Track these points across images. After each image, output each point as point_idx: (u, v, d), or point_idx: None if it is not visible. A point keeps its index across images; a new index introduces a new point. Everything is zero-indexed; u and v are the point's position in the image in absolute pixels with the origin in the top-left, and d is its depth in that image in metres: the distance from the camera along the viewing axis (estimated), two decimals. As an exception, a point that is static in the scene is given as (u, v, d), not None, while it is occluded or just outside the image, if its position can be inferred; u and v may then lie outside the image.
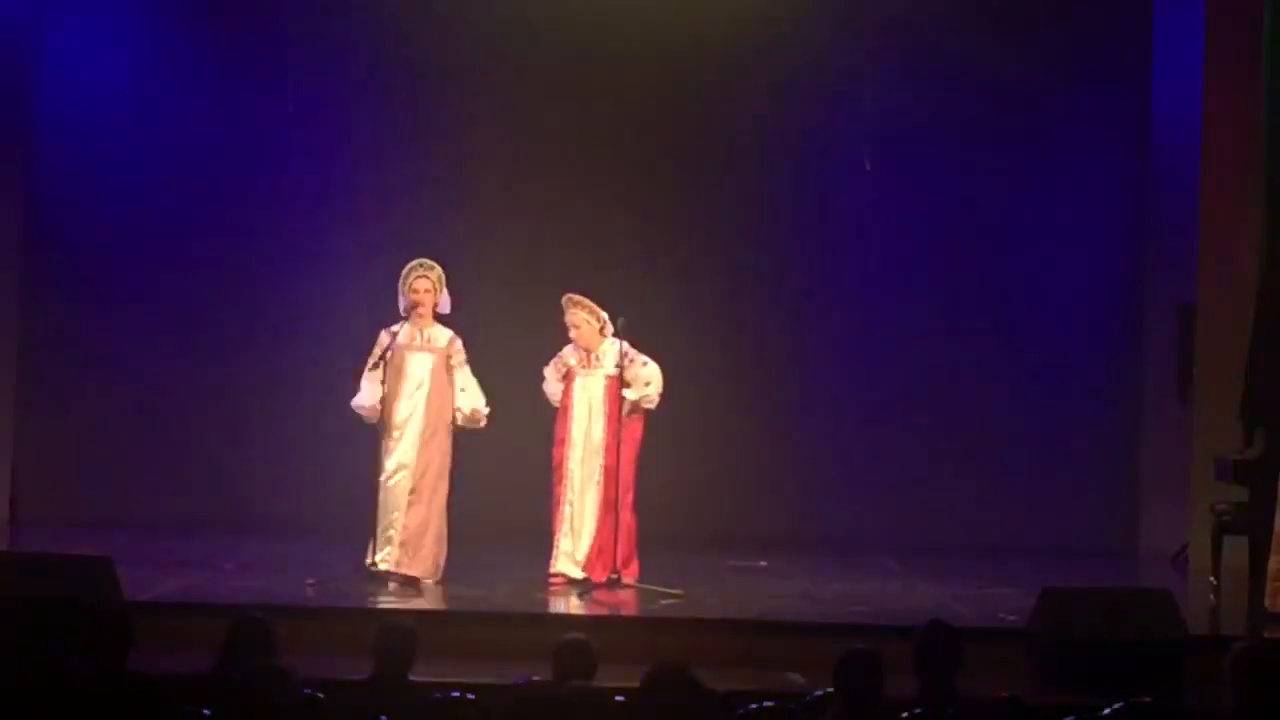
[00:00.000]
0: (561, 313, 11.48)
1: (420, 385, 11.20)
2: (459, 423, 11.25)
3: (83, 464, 14.28)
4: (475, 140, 14.43)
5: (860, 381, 14.53)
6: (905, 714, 6.33)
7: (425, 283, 11.21)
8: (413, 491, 11.11)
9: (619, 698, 6.42)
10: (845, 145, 14.53)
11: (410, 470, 11.14)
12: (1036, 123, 14.60)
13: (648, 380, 11.30)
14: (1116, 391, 14.56)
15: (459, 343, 11.31)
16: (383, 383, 11.07)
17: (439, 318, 11.32)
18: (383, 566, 11.07)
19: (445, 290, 11.28)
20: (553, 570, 11.28)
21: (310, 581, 10.86)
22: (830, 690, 6.45)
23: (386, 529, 11.08)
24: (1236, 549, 11.56)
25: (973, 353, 14.55)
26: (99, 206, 14.43)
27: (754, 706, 6.30)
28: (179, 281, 14.44)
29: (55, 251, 14.38)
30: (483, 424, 11.29)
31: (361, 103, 14.46)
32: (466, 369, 11.28)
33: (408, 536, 11.09)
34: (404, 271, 11.28)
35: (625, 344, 11.32)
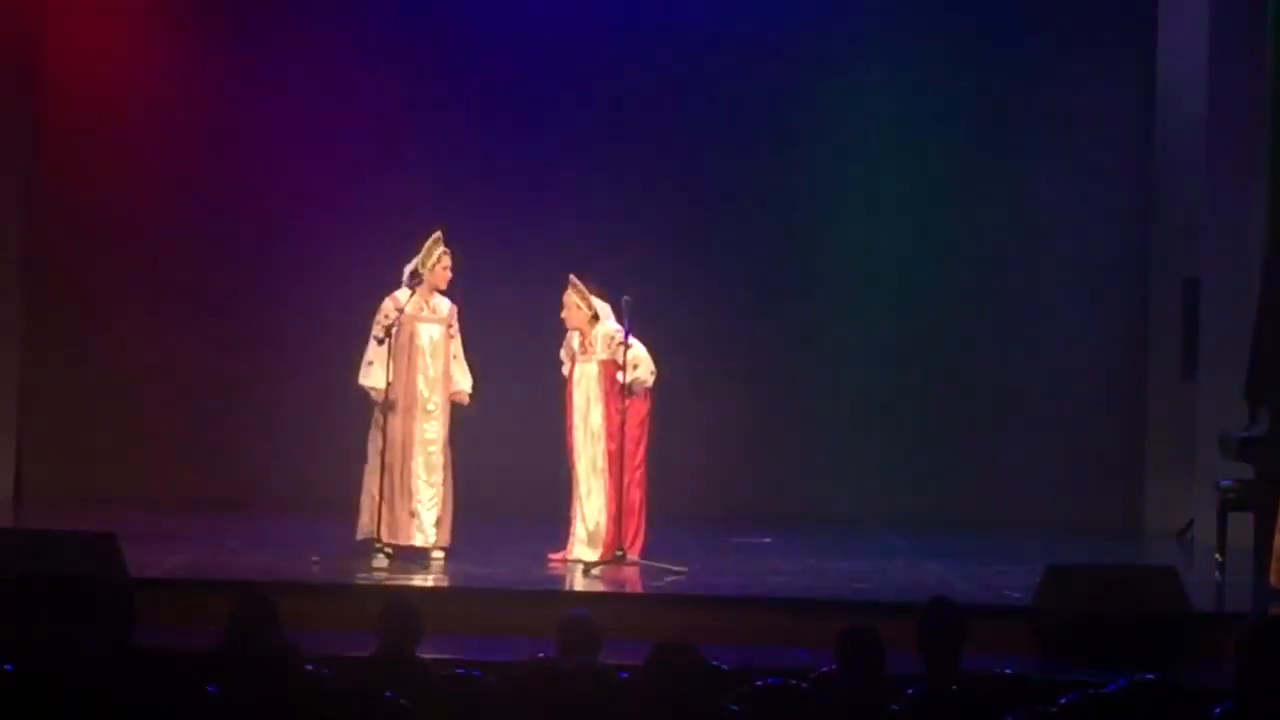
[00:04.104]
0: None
1: (434, 357, 11.21)
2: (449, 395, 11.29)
3: (88, 441, 14.29)
4: (481, 118, 14.43)
5: (865, 359, 14.52)
6: (910, 691, 6.33)
7: (449, 259, 11.22)
8: (443, 465, 11.15)
9: (624, 674, 6.42)
10: (849, 122, 14.51)
11: (439, 444, 11.17)
12: (1041, 95, 14.57)
13: (635, 363, 11.29)
14: (1121, 367, 14.55)
15: (455, 312, 11.34)
16: (390, 357, 11.06)
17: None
18: (418, 542, 11.08)
19: None
20: (569, 556, 11.27)
21: (316, 558, 10.87)
22: (835, 668, 6.45)
23: (419, 507, 11.09)
24: (1242, 526, 11.55)
25: (977, 329, 14.54)
26: (104, 182, 14.43)
27: (759, 683, 6.29)
28: (183, 260, 14.44)
29: (60, 228, 14.37)
30: (466, 402, 11.29)
31: (367, 79, 14.45)
32: (459, 340, 11.32)
33: (444, 511, 11.15)
34: (428, 244, 11.22)
35: (618, 327, 11.28)
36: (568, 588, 10.71)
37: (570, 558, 11.24)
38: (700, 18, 14.45)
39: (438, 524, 11.14)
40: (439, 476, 11.18)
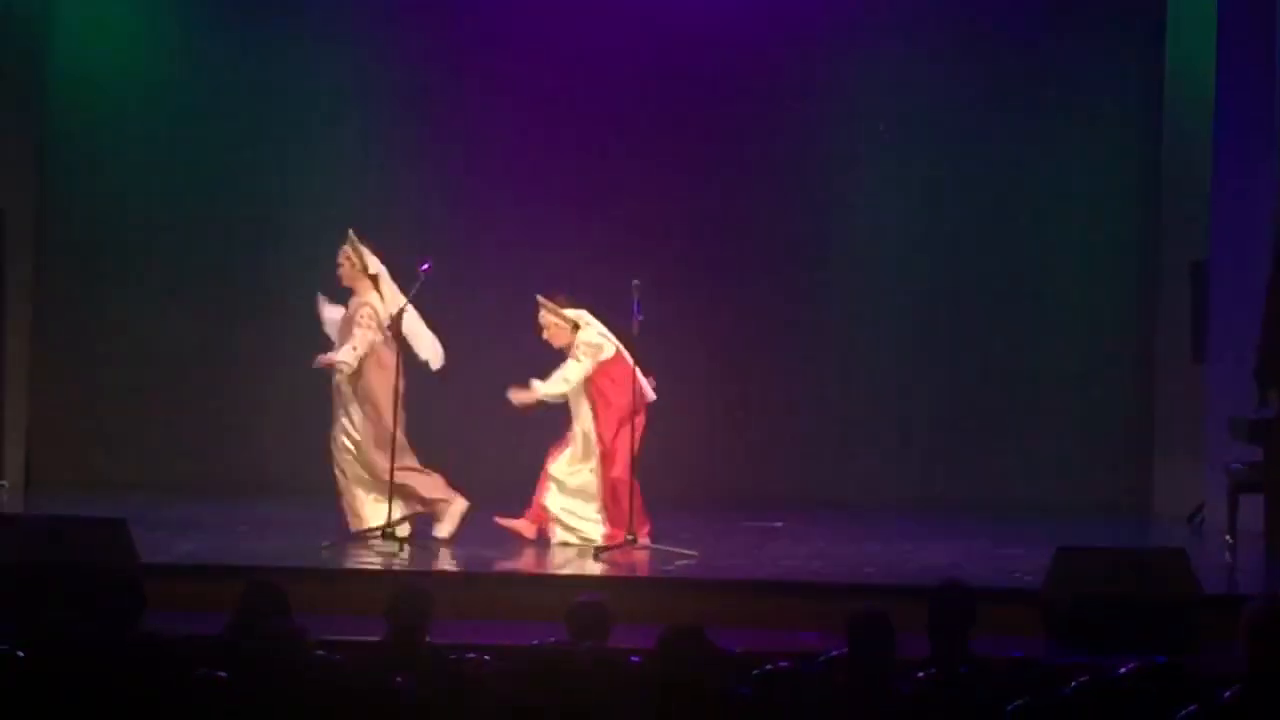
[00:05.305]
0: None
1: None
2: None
3: (97, 427, 14.30)
4: (480, 110, 14.40)
5: (874, 343, 14.51)
6: (919, 674, 6.34)
7: (340, 258, 11.45)
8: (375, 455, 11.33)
9: (634, 659, 6.43)
10: (854, 106, 14.49)
11: (364, 438, 11.37)
12: (1049, 78, 14.51)
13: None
14: (1130, 350, 14.52)
15: (359, 307, 11.47)
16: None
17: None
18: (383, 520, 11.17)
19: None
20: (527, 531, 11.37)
21: (325, 544, 10.88)
22: (845, 651, 6.45)
23: (373, 493, 11.27)
24: (1252, 508, 11.55)
25: (986, 312, 14.51)
26: (112, 171, 14.44)
27: (768, 668, 6.30)
28: (191, 247, 14.45)
29: (69, 218, 14.38)
30: (337, 366, 11.45)
31: (371, 69, 14.47)
32: (365, 331, 11.40)
33: (399, 492, 11.29)
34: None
35: (601, 329, 11.30)
36: (577, 572, 10.72)
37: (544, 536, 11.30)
38: (713, 5, 14.43)
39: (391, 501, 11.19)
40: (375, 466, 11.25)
